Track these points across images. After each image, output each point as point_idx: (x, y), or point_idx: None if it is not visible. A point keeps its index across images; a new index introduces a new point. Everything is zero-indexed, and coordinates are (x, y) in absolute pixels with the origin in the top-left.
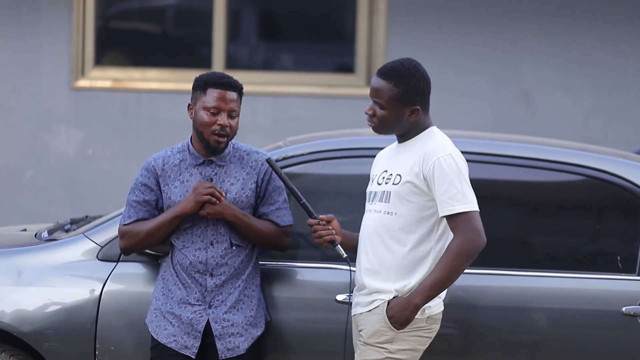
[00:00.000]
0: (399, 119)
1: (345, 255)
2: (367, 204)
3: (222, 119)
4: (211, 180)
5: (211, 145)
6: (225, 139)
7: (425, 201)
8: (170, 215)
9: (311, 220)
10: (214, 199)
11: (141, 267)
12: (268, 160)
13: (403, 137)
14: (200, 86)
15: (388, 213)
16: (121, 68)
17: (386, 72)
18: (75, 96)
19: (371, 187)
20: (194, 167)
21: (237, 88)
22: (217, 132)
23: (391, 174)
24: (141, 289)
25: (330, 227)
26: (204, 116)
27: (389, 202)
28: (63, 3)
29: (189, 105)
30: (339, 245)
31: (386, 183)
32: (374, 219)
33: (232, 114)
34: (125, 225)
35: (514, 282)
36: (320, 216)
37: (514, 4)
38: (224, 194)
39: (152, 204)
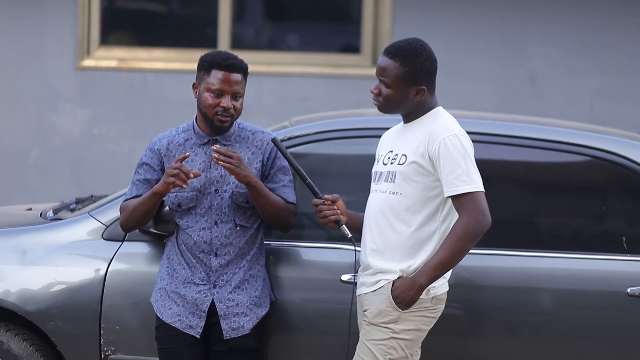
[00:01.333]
0: (405, 98)
1: (350, 235)
2: (372, 184)
3: (226, 101)
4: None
5: (215, 124)
6: (230, 119)
7: (430, 181)
8: (149, 192)
9: (316, 200)
10: (178, 182)
11: (146, 247)
12: (273, 140)
13: (408, 117)
14: (205, 67)
15: (393, 193)
16: (127, 48)
17: (393, 51)
18: (80, 76)
19: (376, 167)
20: (198, 146)
21: (242, 69)
22: (220, 113)
23: (397, 154)
24: (146, 268)
25: (335, 207)
26: (208, 98)
27: (394, 182)
28: None
29: (193, 84)
30: (344, 225)
31: (391, 163)
32: (380, 199)
33: (236, 96)
34: (124, 202)
35: (519, 262)
36: (326, 196)
37: None
38: (190, 174)
39: (153, 182)
